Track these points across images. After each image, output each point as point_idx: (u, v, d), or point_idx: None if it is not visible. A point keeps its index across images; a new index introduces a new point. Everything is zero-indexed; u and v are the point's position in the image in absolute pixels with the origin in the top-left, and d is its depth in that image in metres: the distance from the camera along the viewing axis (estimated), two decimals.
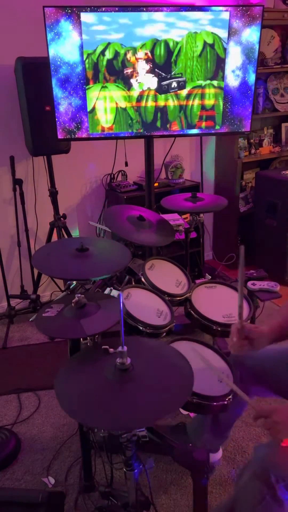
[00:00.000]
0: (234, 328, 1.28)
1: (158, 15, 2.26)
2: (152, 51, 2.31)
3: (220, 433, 1.75)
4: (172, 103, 2.45)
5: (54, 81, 2.31)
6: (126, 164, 3.15)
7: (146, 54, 2.27)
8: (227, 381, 1.28)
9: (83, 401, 1.07)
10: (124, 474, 1.21)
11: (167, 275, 1.92)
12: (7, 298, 3.01)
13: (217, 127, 2.55)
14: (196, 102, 2.47)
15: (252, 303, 1.78)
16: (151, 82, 2.37)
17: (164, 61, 2.35)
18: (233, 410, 1.51)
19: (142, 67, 2.33)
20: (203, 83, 2.43)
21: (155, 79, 2.38)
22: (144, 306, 1.67)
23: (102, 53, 2.29)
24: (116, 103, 2.40)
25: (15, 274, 3.12)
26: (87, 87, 2.35)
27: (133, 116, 2.44)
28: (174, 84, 2.41)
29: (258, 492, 1.18)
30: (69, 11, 2.20)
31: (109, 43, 2.27)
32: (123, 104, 2.41)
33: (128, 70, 2.33)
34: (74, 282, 1.59)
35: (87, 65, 2.30)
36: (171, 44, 2.32)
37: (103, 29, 2.24)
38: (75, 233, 3.22)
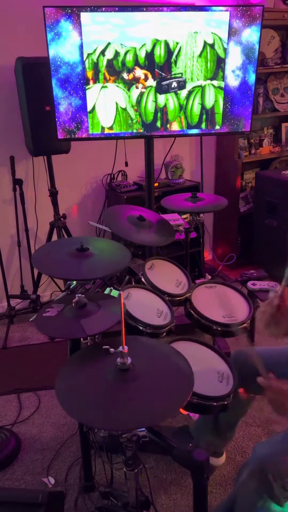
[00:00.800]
0: (275, 294, 1.29)
1: (158, 15, 2.26)
2: (152, 53, 2.31)
3: (224, 433, 1.75)
4: (172, 103, 2.45)
5: (54, 81, 2.31)
6: (126, 164, 3.15)
7: (145, 75, 2.29)
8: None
9: (84, 401, 1.07)
10: (124, 474, 1.21)
11: (167, 275, 1.92)
12: (7, 298, 3.01)
13: (217, 127, 2.55)
14: (196, 102, 2.47)
15: (252, 303, 1.78)
16: (151, 82, 2.37)
17: (164, 61, 2.35)
18: (235, 410, 1.51)
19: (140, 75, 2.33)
20: (203, 83, 2.43)
21: (155, 80, 2.38)
22: (144, 306, 1.67)
23: (102, 53, 2.29)
24: (116, 103, 2.40)
25: (15, 274, 3.12)
26: (87, 87, 2.35)
27: (133, 116, 2.44)
28: (174, 84, 2.41)
29: (256, 490, 1.18)
30: (69, 11, 2.20)
31: (109, 43, 2.27)
32: (123, 104, 2.41)
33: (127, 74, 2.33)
34: (74, 282, 1.59)
35: (87, 65, 2.30)
36: (171, 44, 2.32)
37: (103, 29, 2.24)
38: (75, 233, 3.22)
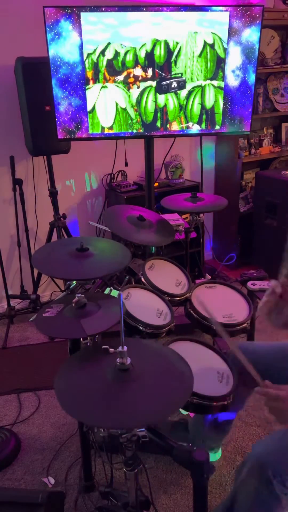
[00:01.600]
0: (276, 283, 1.31)
1: (158, 15, 2.26)
2: (152, 53, 2.31)
3: (220, 427, 1.74)
4: (172, 103, 2.45)
5: (54, 81, 2.31)
6: (126, 164, 3.15)
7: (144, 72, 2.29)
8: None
9: (83, 400, 1.07)
10: (124, 474, 1.21)
11: (167, 275, 1.92)
12: (7, 298, 3.01)
13: (217, 127, 2.55)
14: (196, 102, 2.47)
15: (252, 303, 1.78)
16: (151, 82, 2.38)
17: (164, 61, 2.35)
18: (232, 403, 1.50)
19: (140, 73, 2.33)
20: (203, 83, 2.43)
21: (155, 80, 2.38)
22: (144, 306, 1.67)
23: (102, 53, 2.29)
24: (116, 103, 2.40)
25: (15, 274, 3.12)
26: (87, 87, 2.35)
27: (133, 116, 2.44)
28: (174, 84, 2.41)
29: (256, 488, 1.18)
30: (69, 11, 2.20)
31: (109, 43, 2.27)
32: (123, 104, 2.41)
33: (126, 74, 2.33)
34: (74, 282, 1.59)
35: (87, 65, 2.30)
36: (171, 44, 2.32)
37: (103, 29, 2.24)
38: (75, 233, 3.22)
